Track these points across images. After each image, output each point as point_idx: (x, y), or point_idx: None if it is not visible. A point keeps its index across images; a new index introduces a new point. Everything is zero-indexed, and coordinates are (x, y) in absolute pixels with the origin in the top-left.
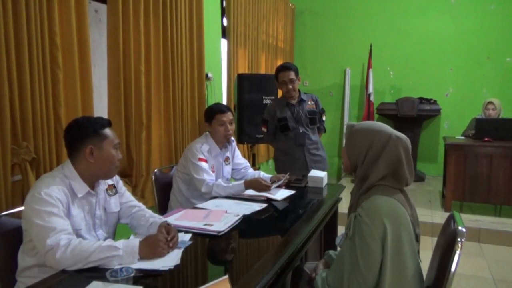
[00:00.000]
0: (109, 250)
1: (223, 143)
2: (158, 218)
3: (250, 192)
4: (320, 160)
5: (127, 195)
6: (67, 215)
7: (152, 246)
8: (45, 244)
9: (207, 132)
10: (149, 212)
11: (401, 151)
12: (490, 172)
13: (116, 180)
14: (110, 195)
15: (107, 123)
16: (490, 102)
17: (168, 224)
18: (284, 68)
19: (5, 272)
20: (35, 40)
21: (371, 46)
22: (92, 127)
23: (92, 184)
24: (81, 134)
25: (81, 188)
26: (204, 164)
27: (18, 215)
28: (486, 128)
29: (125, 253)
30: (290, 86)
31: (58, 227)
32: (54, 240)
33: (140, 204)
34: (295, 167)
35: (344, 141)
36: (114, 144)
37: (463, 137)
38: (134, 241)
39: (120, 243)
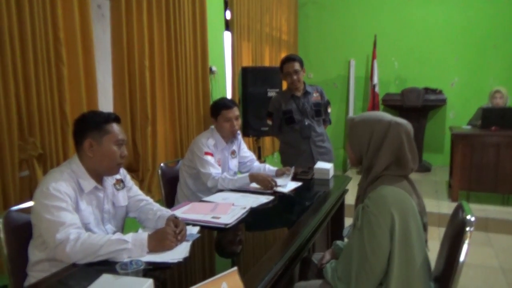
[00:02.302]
0: (118, 244)
1: (229, 138)
2: (166, 212)
3: (257, 185)
4: (326, 152)
5: (134, 189)
6: (76, 210)
7: (160, 240)
8: (55, 239)
9: (213, 127)
10: (156, 206)
11: (403, 136)
12: (497, 161)
13: (124, 174)
14: (118, 189)
15: (113, 118)
16: (497, 91)
17: (176, 217)
18: (289, 59)
19: (16, 266)
20: (39, 35)
21: (375, 36)
22: (94, 121)
23: (98, 179)
24: (82, 127)
25: (88, 183)
26: (210, 158)
27: (27, 210)
28: (493, 117)
29: (134, 246)
30: (295, 77)
31: (67, 222)
32: (64, 234)
33: (148, 197)
34: (301, 159)
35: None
36: (116, 140)
37: (469, 127)
38: (142, 235)
39: (129, 236)
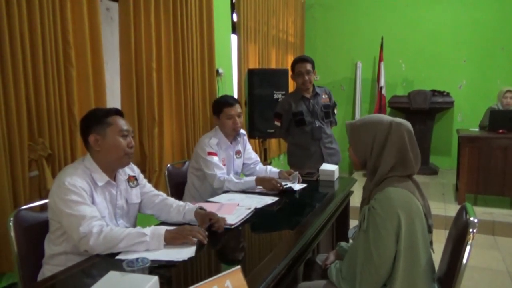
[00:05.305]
0: (138, 236)
1: (233, 136)
2: (191, 204)
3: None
4: (334, 153)
5: (148, 186)
6: (92, 203)
7: (177, 233)
8: (78, 232)
9: (217, 126)
10: (174, 201)
11: (405, 135)
12: (505, 164)
13: (137, 172)
14: (131, 187)
15: (114, 111)
16: (508, 91)
17: (201, 209)
18: (301, 59)
19: (26, 264)
20: (48, 38)
21: (382, 38)
22: (94, 116)
23: (111, 174)
24: (85, 125)
25: (101, 177)
26: (214, 158)
27: (36, 209)
28: (501, 120)
29: (152, 240)
30: (307, 78)
31: (88, 215)
32: (87, 227)
33: (161, 192)
34: (311, 160)
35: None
36: (119, 130)
37: (477, 129)
38: (160, 228)
39: (147, 230)
